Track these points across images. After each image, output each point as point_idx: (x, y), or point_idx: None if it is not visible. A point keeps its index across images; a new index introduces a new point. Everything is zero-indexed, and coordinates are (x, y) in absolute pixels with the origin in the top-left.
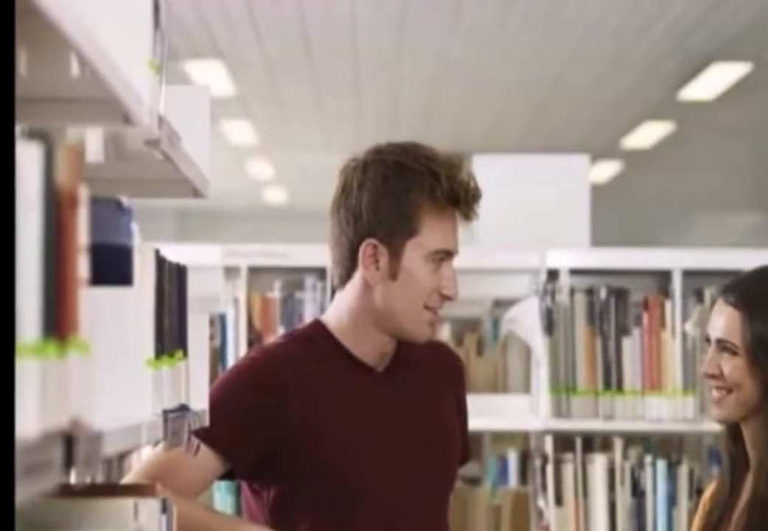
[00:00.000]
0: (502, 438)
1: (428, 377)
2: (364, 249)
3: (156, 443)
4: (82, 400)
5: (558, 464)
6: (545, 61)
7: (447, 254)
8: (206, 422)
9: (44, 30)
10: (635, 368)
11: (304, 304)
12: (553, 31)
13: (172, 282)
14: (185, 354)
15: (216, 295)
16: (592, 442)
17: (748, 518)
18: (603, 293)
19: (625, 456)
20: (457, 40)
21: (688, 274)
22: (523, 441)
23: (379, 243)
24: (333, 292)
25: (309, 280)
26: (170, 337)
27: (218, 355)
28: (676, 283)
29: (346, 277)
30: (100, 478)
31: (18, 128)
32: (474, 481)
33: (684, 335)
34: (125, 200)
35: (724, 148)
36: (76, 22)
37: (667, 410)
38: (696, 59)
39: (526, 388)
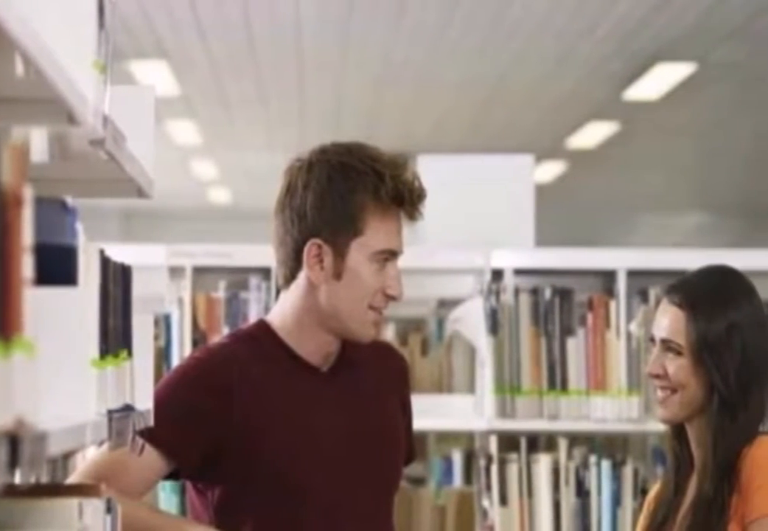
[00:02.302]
0: (446, 438)
1: (373, 377)
2: (309, 249)
3: (100, 443)
4: (27, 400)
5: (502, 464)
6: (489, 61)
7: (391, 254)
8: (151, 422)
9: None
10: (580, 368)
11: (248, 304)
12: (497, 30)
13: (116, 282)
14: (130, 354)
15: (161, 295)
16: (537, 442)
17: (693, 518)
18: (547, 293)
19: (569, 456)
20: (401, 41)
21: (633, 274)
22: (467, 441)
23: (324, 243)
24: (278, 292)
25: (253, 280)
26: (115, 337)
27: (163, 355)
28: (621, 283)
29: (290, 277)
30: (44, 478)
31: None
32: (418, 481)
33: (629, 335)
34: (70, 200)
35: (668, 148)
36: (21, 22)
37: (612, 410)
38: (641, 59)
39: (471, 388)
